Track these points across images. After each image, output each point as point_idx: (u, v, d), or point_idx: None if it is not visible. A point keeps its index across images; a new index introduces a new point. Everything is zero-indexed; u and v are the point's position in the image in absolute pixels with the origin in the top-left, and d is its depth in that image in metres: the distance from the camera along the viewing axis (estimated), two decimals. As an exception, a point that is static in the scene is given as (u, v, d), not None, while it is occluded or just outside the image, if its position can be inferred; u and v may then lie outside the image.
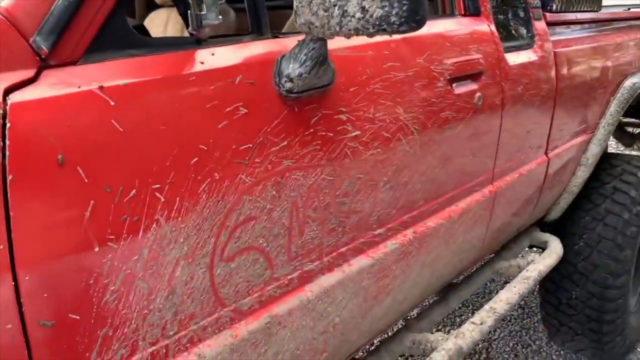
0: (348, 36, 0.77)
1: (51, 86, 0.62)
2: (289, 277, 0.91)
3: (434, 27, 1.22)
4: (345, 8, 0.74)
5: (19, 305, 0.58)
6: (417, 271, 1.23)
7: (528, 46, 1.55)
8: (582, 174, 2.06)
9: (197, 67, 0.76)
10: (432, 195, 1.22)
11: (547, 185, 1.82)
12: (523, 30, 1.54)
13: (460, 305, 2.64)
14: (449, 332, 1.33)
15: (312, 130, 0.89)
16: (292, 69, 0.83)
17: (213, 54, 0.78)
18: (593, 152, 2.07)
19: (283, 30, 1.41)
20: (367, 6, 0.73)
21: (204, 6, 0.74)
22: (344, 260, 1.02)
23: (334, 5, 0.75)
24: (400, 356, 1.49)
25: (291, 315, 0.92)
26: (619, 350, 2.36)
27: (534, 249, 2.10)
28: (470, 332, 1.32)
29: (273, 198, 0.84)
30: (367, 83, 1.00)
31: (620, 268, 2.15)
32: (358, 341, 1.18)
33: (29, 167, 0.58)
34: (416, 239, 1.18)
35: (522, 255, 1.86)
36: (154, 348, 0.73)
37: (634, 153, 5.02)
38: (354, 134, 0.97)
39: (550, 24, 1.71)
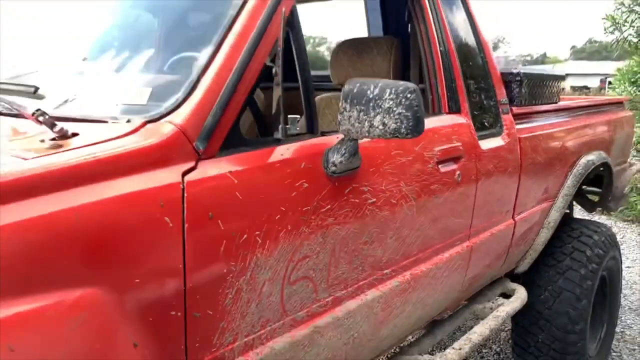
0: (372, 138, 1.21)
1: (204, 171, 1.04)
2: (326, 299, 1.31)
3: (427, 123, 1.67)
4: (372, 122, 1.18)
5: (185, 302, 0.98)
6: (412, 304, 1.64)
7: (498, 134, 2.01)
8: (545, 235, 2.50)
9: (279, 157, 1.19)
10: (424, 246, 1.64)
11: (515, 243, 2.25)
12: (493, 122, 2.01)
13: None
14: (433, 354, 1.72)
15: (345, 198, 1.31)
16: (335, 158, 1.26)
17: (288, 149, 1.21)
18: (554, 217, 2.51)
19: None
20: (386, 122, 1.17)
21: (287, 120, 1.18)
22: (361, 291, 1.42)
23: (365, 121, 1.19)
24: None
25: (327, 327, 1.31)
26: None
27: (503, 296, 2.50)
28: (451, 355, 1.72)
29: (320, 244, 1.25)
30: (381, 165, 1.43)
31: (578, 316, 2.54)
32: (367, 355, 1.56)
33: (195, 218, 0.99)
34: (412, 279, 1.59)
35: (494, 301, 2.26)
36: (245, 339, 1.12)
37: (594, 218, 5.52)
38: (371, 200, 1.39)
39: (516, 116, 2.18)
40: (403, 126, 1.18)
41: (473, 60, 1.99)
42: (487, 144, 1.91)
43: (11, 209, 0.78)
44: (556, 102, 2.65)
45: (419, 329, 1.95)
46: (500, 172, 1.98)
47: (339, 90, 1.40)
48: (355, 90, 1.20)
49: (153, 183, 0.94)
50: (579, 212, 4.24)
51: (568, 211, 3.23)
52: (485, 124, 1.97)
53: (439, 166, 1.66)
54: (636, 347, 3.29)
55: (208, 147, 1.06)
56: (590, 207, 3.57)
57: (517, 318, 2.60)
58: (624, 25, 6.61)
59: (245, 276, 1.08)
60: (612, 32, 6.85)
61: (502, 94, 2.10)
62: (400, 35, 2.08)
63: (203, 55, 1.16)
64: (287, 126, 1.20)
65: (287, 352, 1.21)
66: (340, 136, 1.27)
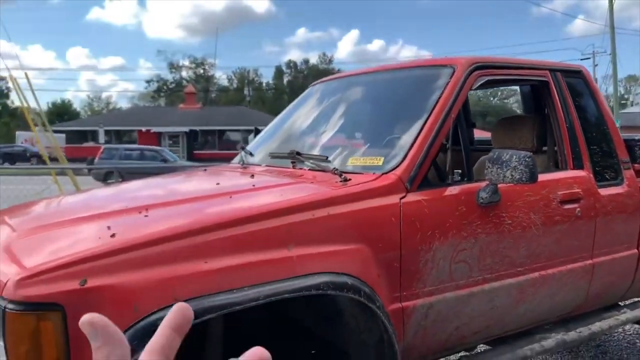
0: (506, 184, 2.13)
1: (410, 198, 2.07)
2: (477, 278, 2.23)
3: (554, 176, 2.52)
4: (505, 174, 2.11)
5: (400, 261, 2.00)
6: (542, 296, 2.45)
7: (619, 184, 2.74)
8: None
9: (449, 193, 2.17)
10: (550, 258, 2.46)
11: (640, 271, 2.88)
12: (615, 175, 2.74)
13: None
14: (558, 333, 2.50)
15: (489, 219, 2.23)
16: (483, 194, 2.20)
17: (454, 188, 2.19)
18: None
19: (474, 168, 2.80)
20: (513, 174, 2.09)
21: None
22: (502, 278, 2.30)
23: (501, 174, 2.12)
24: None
25: (478, 294, 2.22)
26: None
27: None
28: (572, 335, 2.48)
29: (473, 243, 2.19)
30: (515, 201, 2.32)
31: None
32: (508, 325, 2.41)
33: (406, 220, 2.02)
34: (540, 277, 2.42)
35: (621, 310, 2.89)
36: (429, 289, 2.09)
37: None
38: (507, 222, 2.29)
39: (637, 171, 2.87)
40: (523, 177, 2.09)
41: (597, 131, 2.78)
42: (606, 192, 2.67)
43: (338, 209, 1.89)
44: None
45: (551, 319, 2.70)
46: (619, 212, 2.70)
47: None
48: (495, 156, 2.16)
49: (387, 202, 2.01)
50: None
51: None
52: (607, 176, 2.72)
53: (562, 204, 2.48)
54: None
55: (412, 186, 2.09)
56: None
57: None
58: None
59: (429, 253, 2.07)
60: None
61: (624, 155, 2.82)
62: (541, 114, 2.94)
63: (409, 137, 2.22)
64: (453, 176, 2.19)
65: (451, 302, 2.15)
66: (487, 182, 2.22)
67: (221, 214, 1.80)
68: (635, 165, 2.88)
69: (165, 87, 66.72)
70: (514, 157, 2.11)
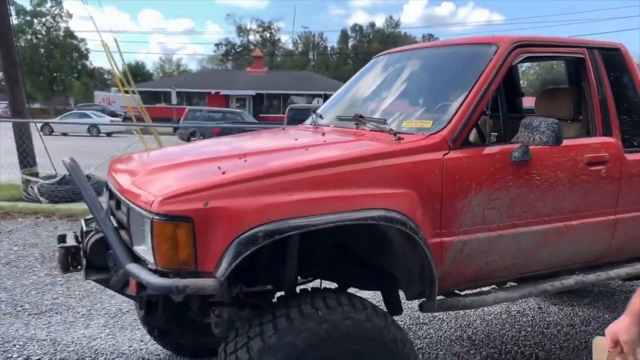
0: (535, 145, 2.56)
1: (452, 155, 2.54)
2: (507, 223, 2.69)
3: (582, 141, 2.91)
4: (534, 137, 2.54)
5: (441, 204, 2.49)
6: (565, 242, 2.88)
7: (646, 150, 3.09)
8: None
9: (486, 152, 2.62)
10: (575, 210, 2.87)
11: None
12: (643, 143, 3.09)
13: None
14: (578, 274, 2.93)
15: (520, 175, 2.67)
16: (515, 154, 2.63)
17: (491, 149, 2.64)
18: None
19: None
20: (542, 137, 2.52)
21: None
22: (529, 225, 2.75)
23: (531, 137, 2.55)
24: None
25: (507, 236, 2.69)
26: None
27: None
28: (591, 277, 2.91)
29: (504, 194, 2.64)
30: (545, 160, 2.75)
31: None
32: (534, 265, 2.87)
33: (447, 173, 2.50)
34: (565, 227, 2.85)
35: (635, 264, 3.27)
36: (464, 228, 2.57)
37: None
38: (537, 178, 2.72)
39: (668, 140, 3.19)
40: (550, 140, 2.51)
41: (629, 102, 3.12)
42: (632, 157, 3.03)
43: (392, 161, 2.40)
44: None
45: (574, 265, 3.12)
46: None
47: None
48: (527, 122, 2.59)
49: (433, 157, 2.50)
50: None
51: None
52: (635, 143, 3.08)
53: (588, 166, 2.88)
54: None
55: (454, 145, 2.56)
56: None
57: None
58: None
59: (466, 200, 2.55)
60: None
61: (654, 125, 3.16)
62: (579, 87, 3.29)
63: (455, 104, 2.68)
64: (490, 138, 2.64)
65: (483, 241, 2.63)
66: (519, 144, 2.65)
67: (303, 160, 2.35)
68: (665, 134, 3.20)
69: (233, 51, 68.07)
70: (543, 123, 2.53)
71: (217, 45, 68.61)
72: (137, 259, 2.26)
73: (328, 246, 2.74)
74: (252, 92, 41.69)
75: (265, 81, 43.49)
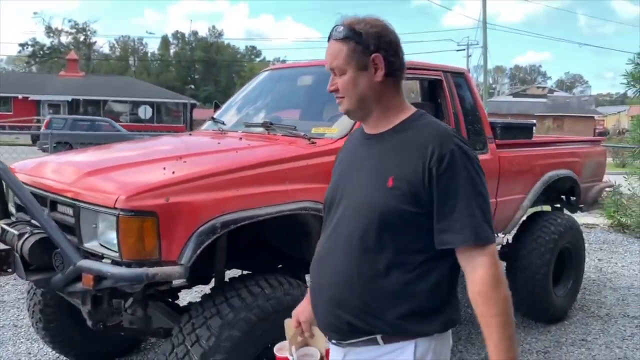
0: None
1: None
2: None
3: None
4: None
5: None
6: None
7: (485, 153, 3.94)
8: (520, 214, 4.36)
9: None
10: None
11: (498, 215, 4.13)
12: (483, 147, 3.95)
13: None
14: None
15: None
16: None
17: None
18: (526, 204, 4.37)
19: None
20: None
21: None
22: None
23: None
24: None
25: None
26: (550, 318, 4.51)
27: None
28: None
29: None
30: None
31: (543, 264, 4.36)
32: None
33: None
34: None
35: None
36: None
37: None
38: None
39: (499, 145, 4.11)
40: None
41: (473, 116, 3.97)
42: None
43: (313, 160, 2.83)
44: (531, 139, 4.56)
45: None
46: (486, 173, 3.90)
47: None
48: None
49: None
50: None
51: (558, 206, 5.11)
52: (477, 147, 3.92)
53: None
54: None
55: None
56: (572, 209, 5.35)
57: (508, 266, 4.44)
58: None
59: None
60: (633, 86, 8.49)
61: (489, 133, 4.05)
62: (435, 101, 4.06)
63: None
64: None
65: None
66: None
67: (241, 161, 2.69)
68: (497, 140, 4.12)
69: (41, 52, 62.16)
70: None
71: (22, 45, 62.08)
72: (86, 256, 2.39)
73: (249, 239, 3.08)
74: (68, 98, 38.64)
75: (81, 86, 40.57)
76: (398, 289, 1.46)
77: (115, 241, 2.27)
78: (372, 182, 1.50)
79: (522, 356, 3.97)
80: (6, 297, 4.93)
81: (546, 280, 4.42)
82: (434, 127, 1.53)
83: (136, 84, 45.97)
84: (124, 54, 72.08)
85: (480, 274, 1.40)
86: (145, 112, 34.71)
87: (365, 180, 1.52)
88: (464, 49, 38.31)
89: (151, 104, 38.33)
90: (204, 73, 77.95)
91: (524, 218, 4.57)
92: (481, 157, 3.79)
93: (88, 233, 2.41)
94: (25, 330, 4.17)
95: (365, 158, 1.57)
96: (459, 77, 3.99)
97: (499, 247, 4.42)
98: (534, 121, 5.00)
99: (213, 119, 3.89)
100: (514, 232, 4.60)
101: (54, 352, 3.76)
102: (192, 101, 45.11)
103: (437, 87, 3.88)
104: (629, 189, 8.58)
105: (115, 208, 2.26)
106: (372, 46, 1.50)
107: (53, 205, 2.63)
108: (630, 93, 8.70)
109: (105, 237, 2.34)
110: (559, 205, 5.25)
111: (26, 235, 2.55)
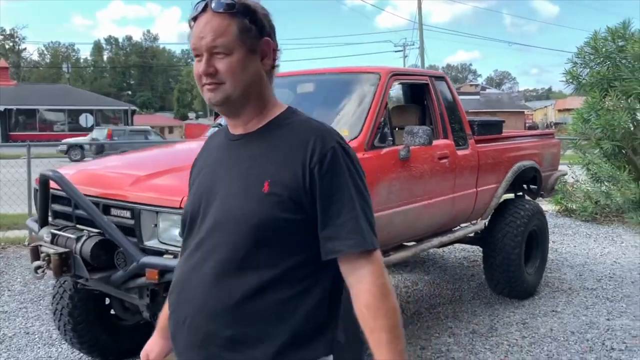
0: (414, 146, 3.61)
1: (365, 155, 3.44)
2: (400, 202, 3.69)
3: (434, 142, 4.09)
4: (415, 140, 3.59)
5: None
6: (428, 215, 4.02)
7: (466, 148, 4.41)
8: (495, 202, 4.87)
9: (384, 151, 3.59)
10: (433, 191, 4.02)
11: (478, 201, 4.62)
12: (464, 143, 4.42)
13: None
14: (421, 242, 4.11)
15: (405, 167, 3.71)
16: (402, 153, 3.65)
17: (387, 150, 3.62)
18: (500, 192, 4.89)
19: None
20: (420, 140, 3.58)
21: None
22: (410, 203, 3.79)
23: (413, 140, 3.59)
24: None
25: (399, 212, 3.69)
26: (523, 293, 5.05)
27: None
28: (432, 243, 4.10)
29: (397, 182, 3.65)
30: (418, 157, 3.83)
31: (516, 245, 4.89)
32: (413, 232, 3.94)
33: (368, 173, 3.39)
34: (429, 204, 3.97)
35: (463, 228, 4.64)
36: (376, 208, 3.50)
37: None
38: (414, 169, 3.78)
39: (477, 140, 4.59)
40: (425, 141, 3.58)
41: (454, 115, 4.43)
42: (461, 152, 4.32)
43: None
44: (501, 134, 5.09)
45: (435, 230, 4.30)
46: (466, 166, 4.38)
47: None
48: (409, 129, 3.62)
49: (360, 156, 3.36)
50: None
51: (521, 193, 5.66)
52: (460, 143, 4.39)
53: (439, 160, 4.06)
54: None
55: (366, 148, 3.46)
56: (533, 196, 5.94)
57: (485, 249, 4.94)
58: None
59: (375, 187, 3.47)
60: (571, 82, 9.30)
61: (468, 130, 4.52)
62: (422, 103, 4.49)
63: (361, 118, 3.58)
64: (388, 142, 3.62)
65: (387, 216, 3.58)
66: (404, 145, 3.66)
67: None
68: (474, 136, 4.61)
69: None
70: (420, 129, 3.59)
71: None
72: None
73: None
74: (0, 108, 37.01)
75: (14, 95, 38.94)
76: (278, 309, 1.25)
77: (179, 237, 2.54)
78: (244, 190, 1.27)
79: (505, 327, 4.46)
80: (6, 307, 4.97)
81: (519, 260, 4.94)
82: (312, 124, 1.35)
83: (72, 92, 44.57)
84: (55, 60, 69.46)
85: (367, 285, 1.24)
86: (86, 120, 33.76)
87: (236, 189, 1.29)
88: (402, 50, 39.61)
89: (90, 112, 37.31)
90: (139, 78, 76.25)
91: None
92: (463, 152, 4.27)
93: (148, 232, 2.66)
94: (38, 336, 4.28)
95: (232, 163, 1.33)
96: (441, 80, 4.44)
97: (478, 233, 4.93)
98: (503, 119, 5.55)
99: (220, 125, 4.16)
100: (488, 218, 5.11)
101: (73, 354, 3.92)
102: (132, 107, 44.18)
103: (424, 91, 4.31)
104: (571, 177, 9.39)
105: (180, 208, 2.52)
106: (266, 28, 1.32)
107: (106, 210, 2.85)
108: (568, 90, 9.51)
109: (167, 235, 2.60)
110: (521, 193, 5.82)
111: (84, 238, 2.77)
